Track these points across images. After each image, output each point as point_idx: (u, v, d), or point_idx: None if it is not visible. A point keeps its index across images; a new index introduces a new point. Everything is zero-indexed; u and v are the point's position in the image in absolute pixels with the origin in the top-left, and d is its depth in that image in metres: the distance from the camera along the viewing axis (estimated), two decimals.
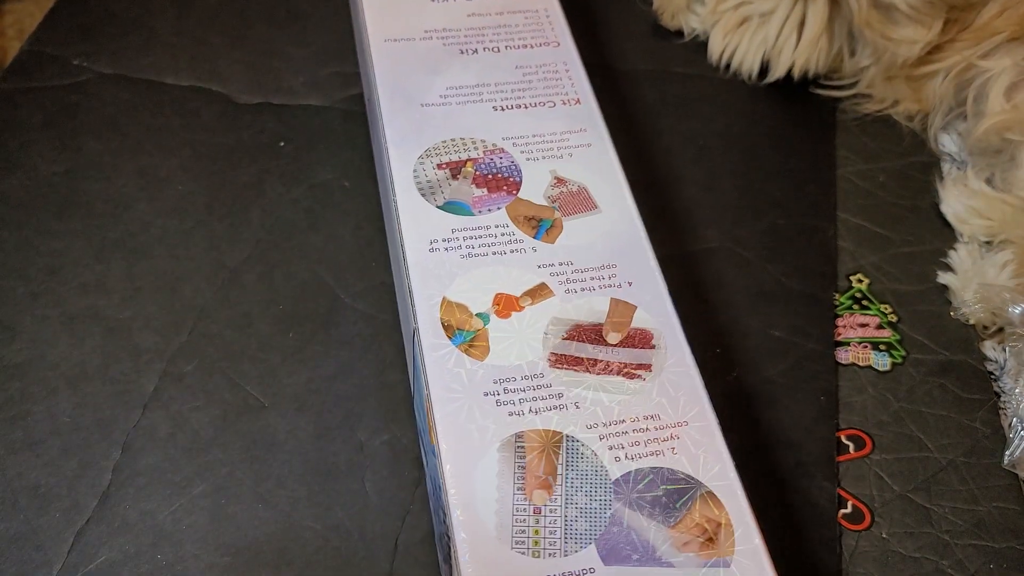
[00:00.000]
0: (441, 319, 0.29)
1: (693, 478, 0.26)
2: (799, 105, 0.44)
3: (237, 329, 0.35)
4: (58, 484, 0.31)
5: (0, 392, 0.33)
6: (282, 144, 0.41)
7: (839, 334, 0.37)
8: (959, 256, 0.39)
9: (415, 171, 0.33)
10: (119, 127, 0.41)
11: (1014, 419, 0.34)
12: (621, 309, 0.30)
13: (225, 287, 0.36)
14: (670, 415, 0.28)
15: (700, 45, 0.46)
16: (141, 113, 0.42)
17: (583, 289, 0.30)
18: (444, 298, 0.29)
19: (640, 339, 0.29)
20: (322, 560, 0.30)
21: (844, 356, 0.36)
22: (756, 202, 0.41)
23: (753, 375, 0.35)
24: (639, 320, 0.30)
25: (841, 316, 0.37)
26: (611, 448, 0.27)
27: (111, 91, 0.42)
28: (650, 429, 0.27)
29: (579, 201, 0.32)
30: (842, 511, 0.32)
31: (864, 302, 0.38)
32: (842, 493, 0.33)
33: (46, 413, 0.33)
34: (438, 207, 0.32)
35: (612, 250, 0.31)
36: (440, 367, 0.28)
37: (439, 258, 0.30)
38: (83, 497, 0.31)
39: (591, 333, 0.29)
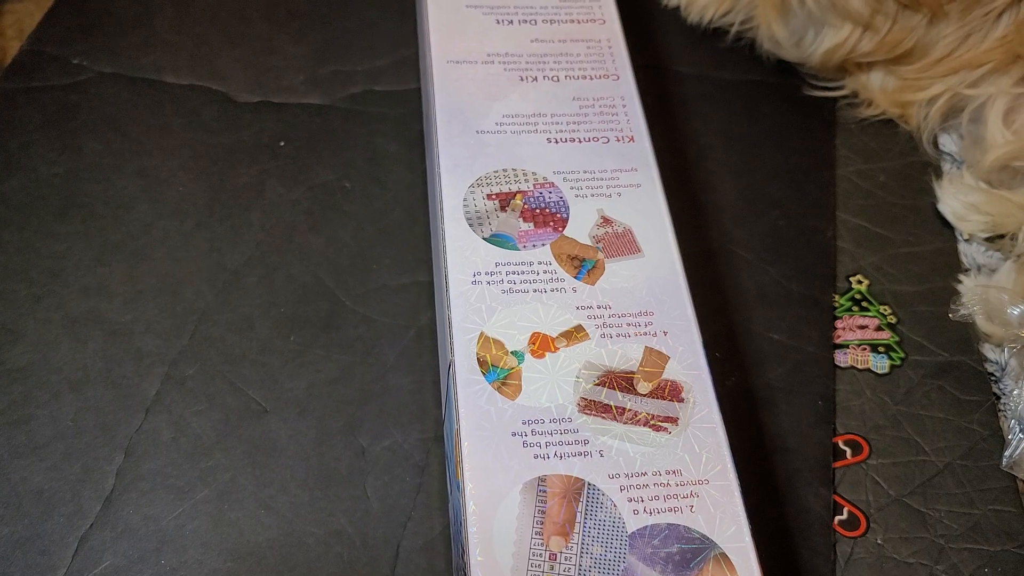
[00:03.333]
0: (477, 354, 0.29)
1: (708, 538, 0.26)
2: (799, 105, 0.44)
3: (238, 332, 0.35)
4: (62, 488, 0.32)
5: (3, 396, 0.33)
6: (282, 144, 0.41)
7: (838, 336, 0.37)
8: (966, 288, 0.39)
9: (465, 200, 0.33)
10: (119, 127, 0.41)
11: (1013, 421, 0.35)
12: (654, 359, 0.30)
13: (226, 290, 0.37)
14: (692, 472, 0.28)
15: (699, 43, 0.46)
16: (141, 112, 0.42)
17: (618, 335, 0.30)
18: (482, 333, 0.30)
19: (670, 391, 0.29)
20: (324, 566, 0.30)
21: (843, 359, 0.36)
22: (756, 202, 0.41)
23: (752, 379, 0.35)
24: (671, 372, 0.29)
25: (840, 318, 0.38)
26: (631, 500, 0.27)
27: (111, 90, 0.42)
28: (671, 484, 0.27)
29: (623, 243, 0.32)
30: (838, 517, 0.32)
31: (864, 303, 0.38)
32: (838, 499, 0.33)
33: (49, 417, 0.33)
34: (484, 239, 0.32)
35: (651, 297, 0.31)
36: (472, 403, 0.28)
37: (481, 291, 0.31)
38: (87, 501, 0.31)
39: (622, 381, 0.29)
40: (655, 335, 0.30)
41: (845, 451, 0.34)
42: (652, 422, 0.28)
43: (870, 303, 0.38)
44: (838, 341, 0.37)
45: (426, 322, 0.36)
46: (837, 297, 0.38)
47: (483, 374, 0.29)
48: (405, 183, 0.40)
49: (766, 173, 0.42)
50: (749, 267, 0.39)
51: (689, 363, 0.30)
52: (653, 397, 0.29)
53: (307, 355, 0.35)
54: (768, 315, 0.37)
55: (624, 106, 0.37)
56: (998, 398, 0.36)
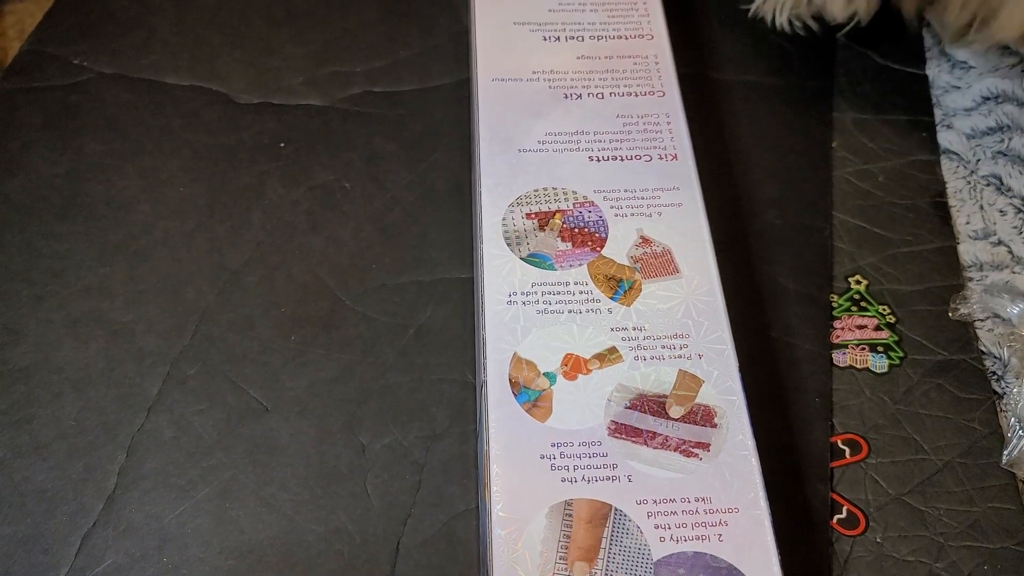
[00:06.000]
0: (509, 375, 0.29)
1: (736, 568, 0.26)
2: (796, 105, 0.44)
3: (239, 332, 0.36)
4: (64, 487, 0.32)
5: (6, 396, 0.34)
6: (282, 145, 0.41)
7: (837, 336, 0.37)
8: None
9: (504, 219, 0.33)
10: (120, 128, 0.41)
11: (1013, 419, 0.35)
12: (688, 382, 0.29)
13: (227, 290, 0.37)
14: (722, 499, 0.27)
15: (694, 44, 0.46)
16: (142, 113, 0.42)
17: (652, 357, 0.30)
18: (515, 353, 0.29)
19: (703, 416, 0.29)
20: (324, 563, 0.30)
21: (841, 359, 0.36)
22: (751, 202, 0.41)
23: (748, 376, 0.35)
24: (704, 396, 0.29)
25: (839, 318, 0.38)
26: (657, 527, 0.26)
27: (112, 91, 0.42)
28: (699, 512, 0.27)
29: (661, 264, 0.32)
30: (837, 516, 0.33)
31: (862, 303, 0.38)
32: (837, 498, 0.33)
33: (51, 417, 0.33)
34: (522, 258, 0.32)
35: (687, 319, 0.31)
36: (503, 425, 0.28)
37: (516, 312, 0.30)
38: (89, 500, 0.32)
39: (654, 404, 0.29)
40: (690, 358, 0.30)
41: (844, 450, 0.34)
42: (683, 447, 0.28)
43: (869, 303, 0.38)
44: (837, 341, 0.37)
45: (425, 321, 0.36)
46: (836, 297, 0.38)
47: (515, 395, 0.29)
48: (403, 183, 0.40)
49: (762, 173, 0.42)
50: (745, 266, 0.39)
51: (724, 388, 0.29)
52: (685, 422, 0.29)
53: (307, 354, 0.35)
54: (764, 313, 0.37)
55: (668, 123, 0.36)
56: (1000, 396, 0.36)
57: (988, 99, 0.44)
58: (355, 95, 0.43)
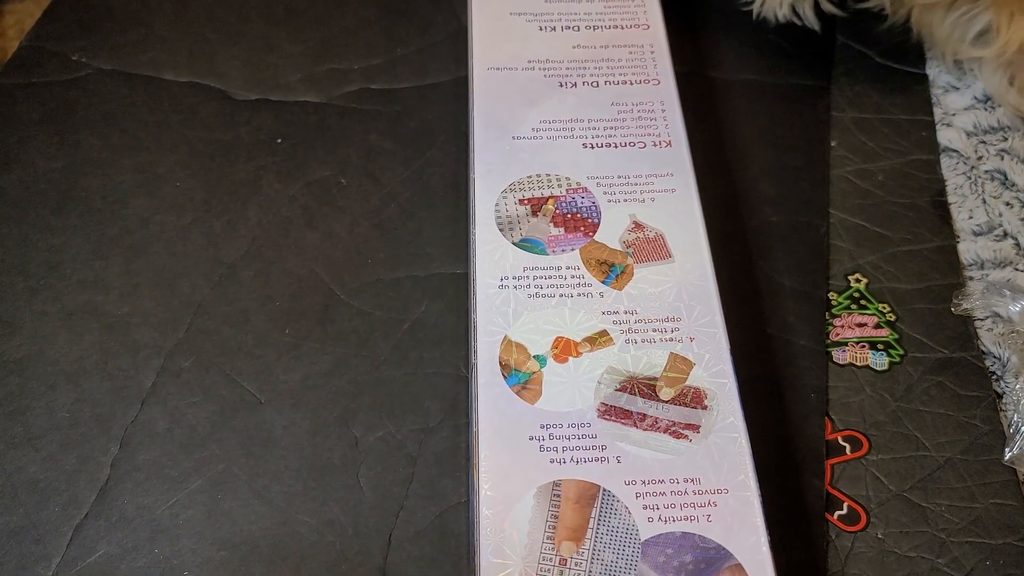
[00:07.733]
0: (500, 357, 0.29)
1: (724, 548, 0.26)
2: (794, 104, 0.44)
3: (234, 325, 0.35)
4: (57, 478, 0.32)
5: (0, 388, 0.33)
6: (279, 141, 0.41)
7: (837, 334, 0.37)
8: None
9: (497, 205, 0.33)
10: (118, 123, 0.41)
11: (1015, 416, 0.34)
12: (679, 365, 0.29)
13: (222, 283, 0.37)
14: (711, 480, 0.27)
15: (692, 43, 0.46)
16: (140, 109, 0.42)
17: (643, 340, 0.30)
18: (506, 336, 0.30)
19: (693, 398, 0.29)
20: (316, 555, 0.30)
21: (841, 356, 0.36)
22: (748, 199, 0.41)
23: (743, 372, 0.35)
24: (695, 378, 0.29)
25: (839, 316, 0.37)
26: (646, 507, 0.26)
27: (110, 87, 0.42)
28: (688, 493, 0.27)
29: (654, 249, 0.32)
30: (838, 512, 0.32)
31: (862, 302, 0.38)
32: (838, 495, 0.33)
33: (45, 408, 0.33)
34: (514, 243, 0.32)
35: (679, 303, 0.31)
36: (492, 406, 0.28)
37: (507, 295, 0.31)
38: (82, 491, 0.31)
39: (644, 386, 0.29)
40: (681, 341, 0.30)
41: (844, 447, 0.34)
42: (673, 429, 0.28)
43: (869, 301, 0.38)
44: (836, 339, 0.37)
45: (419, 315, 0.36)
46: (836, 295, 0.38)
47: (504, 377, 0.29)
48: (400, 179, 0.40)
49: (759, 170, 0.42)
50: (741, 262, 0.38)
51: (715, 370, 0.29)
52: (675, 404, 0.29)
53: (302, 348, 0.35)
54: (760, 309, 0.37)
55: (663, 111, 0.36)
56: (999, 396, 0.35)
57: (987, 99, 0.44)
58: (352, 92, 0.43)
